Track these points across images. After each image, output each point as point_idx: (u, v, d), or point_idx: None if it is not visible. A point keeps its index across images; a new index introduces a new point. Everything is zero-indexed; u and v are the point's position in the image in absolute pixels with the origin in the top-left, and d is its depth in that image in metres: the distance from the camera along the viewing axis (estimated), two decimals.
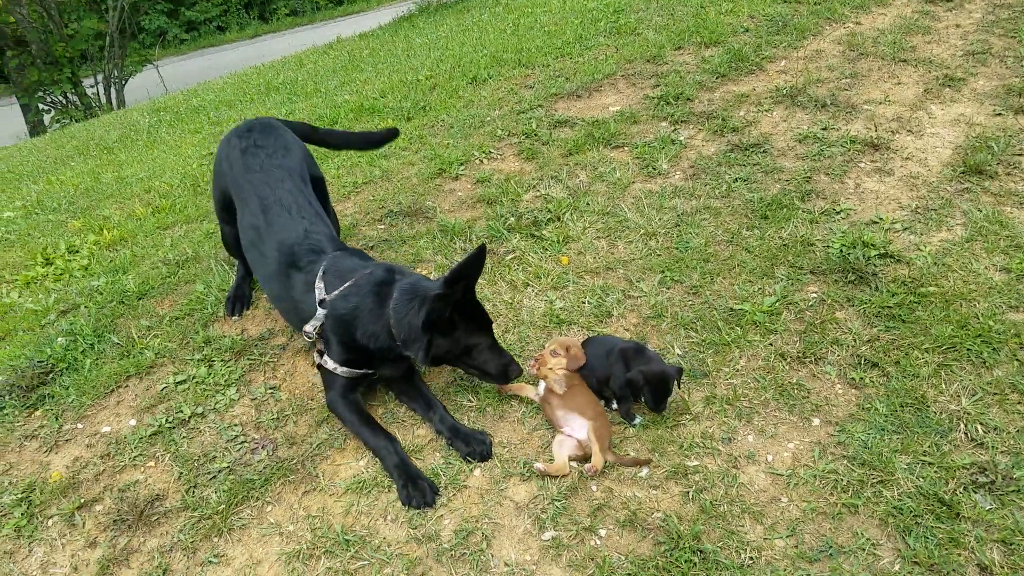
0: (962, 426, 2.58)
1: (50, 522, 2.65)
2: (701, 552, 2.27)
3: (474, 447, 2.68)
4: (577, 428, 2.63)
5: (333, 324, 2.82)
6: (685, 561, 2.24)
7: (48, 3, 17.08)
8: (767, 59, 5.42)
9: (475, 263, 2.64)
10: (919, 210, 3.72)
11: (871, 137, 4.30)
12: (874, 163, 4.13)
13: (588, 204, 4.03)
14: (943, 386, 2.74)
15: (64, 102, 17.75)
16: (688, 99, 5.02)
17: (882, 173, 4.05)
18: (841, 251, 3.44)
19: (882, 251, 3.41)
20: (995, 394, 2.68)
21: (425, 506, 2.53)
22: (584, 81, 5.50)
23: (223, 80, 11.25)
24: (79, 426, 3.04)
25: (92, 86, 18.12)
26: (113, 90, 18.12)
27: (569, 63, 6.02)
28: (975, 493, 2.35)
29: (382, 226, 4.15)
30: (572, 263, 3.61)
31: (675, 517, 2.38)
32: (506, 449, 2.70)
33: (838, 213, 3.76)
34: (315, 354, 2.94)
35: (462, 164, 4.62)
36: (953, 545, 2.20)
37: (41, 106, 17.60)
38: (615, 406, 2.80)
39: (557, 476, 2.55)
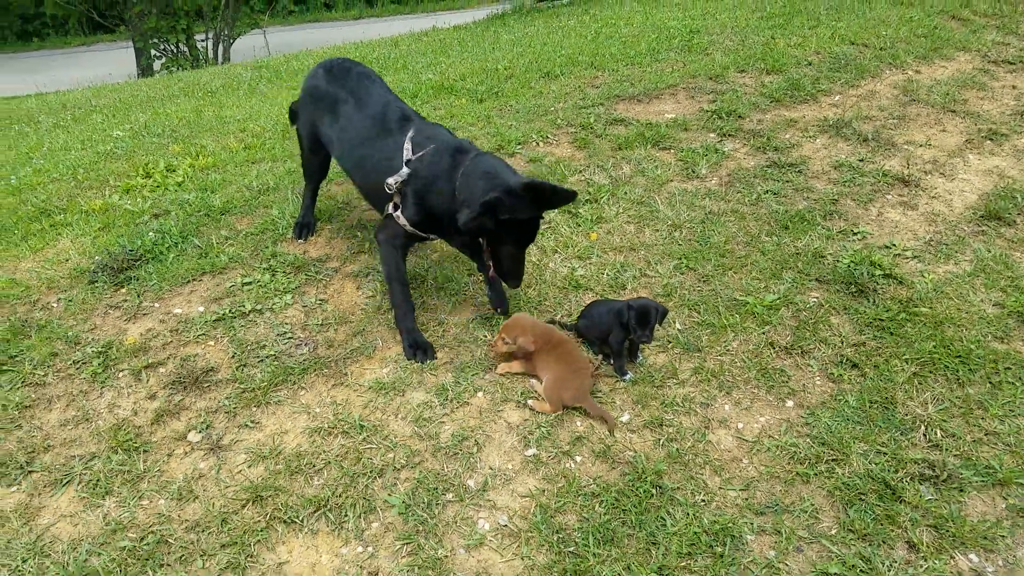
0: (923, 428, 2.85)
1: (120, 374, 3.17)
2: (660, 487, 2.61)
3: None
4: (539, 382, 3.01)
5: (412, 183, 3.17)
6: (644, 491, 2.59)
7: None
8: (822, 92, 5.69)
9: (561, 196, 2.93)
10: (932, 242, 3.98)
11: (904, 173, 4.55)
12: (901, 197, 4.39)
13: (626, 193, 4.40)
14: (914, 392, 3.02)
15: (175, 51, 18.78)
16: (740, 116, 5.34)
17: (906, 207, 4.31)
18: (849, 266, 3.72)
19: (887, 272, 3.69)
20: (961, 407, 2.95)
21: (426, 360, 3.17)
22: (647, 88, 5.86)
23: (323, 50, 11.91)
24: (156, 305, 3.56)
25: (202, 40, 19.13)
26: (221, 47, 19.09)
27: (637, 70, 6.38)
28: (921, 484, 2.63)
29: None
30: (600, 240, 3.99)
31: (644, 457, 2.73)
32: (508, 380, 3.09)
33: (855, 234, 4.04)
34: (390, 206, 3.26)
35: (520, 144, 5.04)
36: (889, 522, 2.49)
37: (154, 52, 18.66)
38: (612, 361, 3.17)
39: (541, 413, 2.94)
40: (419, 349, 3.22)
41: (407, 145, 3.23)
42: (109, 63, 18.89)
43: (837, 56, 6.36)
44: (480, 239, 3.13)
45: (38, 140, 6.88)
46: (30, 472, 2.74)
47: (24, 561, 2.41)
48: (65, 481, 2.70)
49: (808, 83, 5.83)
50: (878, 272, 3.68)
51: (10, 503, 2.63)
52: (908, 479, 2.64)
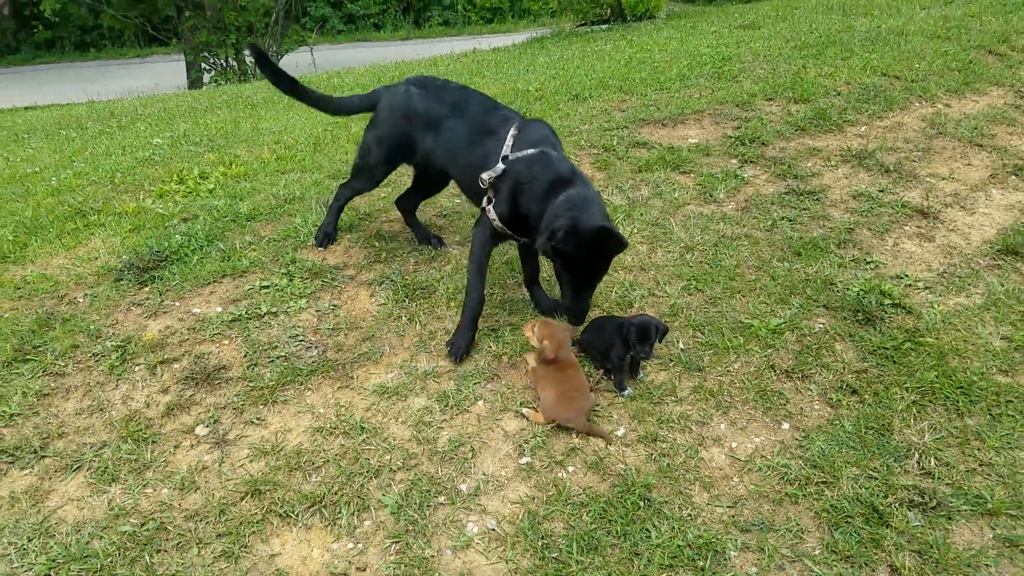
0: (917, 456, 2.86)
1: (136, 368, 3.31)
2: (648, 500, 2.66)
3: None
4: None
5: (507, 181, 3.26)
6: (632, 503, 2.64)
7: None
8: (848, 122, 5.69)
9: (619, 245, 3.09)
10: (945, 274, 3.97)
11: (923, 205, 4.54)
12: (918, 228, 4.39)
13: (641, 214, 4.46)
14: (912, 420, 3.02)
15: (224, 65, 19.30)
16: (763, 143, 5.37)
17: (922, 238, 4.30)
18: (858, 294, 3.72)
19: (896, 301, 3.68)
20: (958, 438, 2.94)
21: (456, 357, 3.29)
22: (673, 112, 5.92)
23: (364, 68, 12.19)
24: (176, 304, 3.71)
25: (251, 56, 19.64)
26: None
27: (665, 95, 6.45)
28: (909, 510, 2.64)
29: (458, 200, 4.71)
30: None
31: (635, 470, 2.78)
32: (510, 390, 3.16)
33: (868, 263, 4.04)
34: (484, 200, 3.36)
35: None
36: (873, 545, 2.50)
37: (204, 66, 19.21)
38: (612, 376, 3.22)
39: (535, 423, 3.00)
40: (463, 346, 3.33)
41: (508, 141, 3.32)
42: (161, 75, 19.49)
43: (867, 87, 6.36)
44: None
45: (82, 144, 7.18)
46: (43, 457, 2.89)
47: (29, 540, 2.54)
48: (75, 467, 2.83)
49: (835, 113, 5.84)
50: (887, 301, 3.69)
51: (21, 485, 2.77)
52: (896, 504, 2.65)
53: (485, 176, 3.29)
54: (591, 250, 3.04)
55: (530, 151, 3.27)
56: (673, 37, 10.17)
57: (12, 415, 3.06)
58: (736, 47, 8.49)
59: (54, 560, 2.46)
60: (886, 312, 3.63)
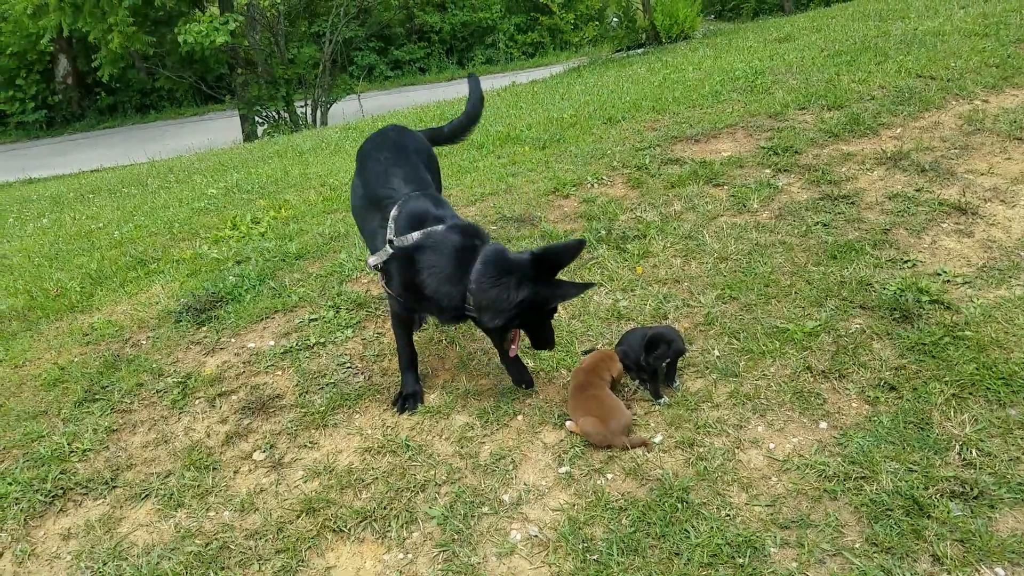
0: (957, 447, 2.84)
1: (197, 402, 3.53)
2: (686, 502, 2.71)
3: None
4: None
5: (397, 266, 3.11)
6: (670, 506, 2.69)
7: (277, 31, 19.52)
8: (883, 125, 5.69)
9: (569, 253, 3.05)
10: (985, 268, 3.93)
11: (961, 202, 4.52)
12: (957, 225, 4.36)
13: (675, 228, 4.54)
14: (952, 413, 3.01)
15: (276, 117, 20.02)
16: (796, 152, 5.40)
17: (961, 234, 4.27)
18: (895, 293, 3.72)
19: (935, 298, 3.66)
20: (1000, 428, 2.92)
21: (411, 411, 3.29)
22: (705, 128, 6.01)
23: (407, 110, 12.58)
24: (232, 340, 3.94)
25: (302, 106, 20.38)
26: (319, 112, 20.27)
27: (697, 112, 6.54)
28: (951, 501, 2.63)
29: (493, 227, 4.87)
30: (645, 273, 4.14)
31: (672, 474, 2.84)
32: (548, 404, 3.26)
33: (905, 262, 4.03)
34: (381, 277, 3.25)
35: (575, 186, 5.27)
36: (915, 536, 2.50)
37: (257, 119, 19.99)
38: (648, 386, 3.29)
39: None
40: (410, 400, 3.35)
41: (390, 225, 3.14)
42: (217, 131, 20.32)
43: (901, 89, 6.35)
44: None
45: (143, 199, 7.62)
46: (114, 487, 3.10)
47: (104, 564, 2.73)
48: (144, 495, 3.03)
49: (869, 117, 5.85)
50: (925, 298, 3.67)
51: (96, 514, 2.97)
52: (937, 495, 2.64)
53: (372, 261, 3.18)
54: (549, 281, 3.03)
55: (419, 234, 3.09)
56: (707, 56, 10.26)
57: (85, 450, 3.29)
58: (770, 60, 8.54)
59: None
60: (924, 309, 3.62)
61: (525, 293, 2.97)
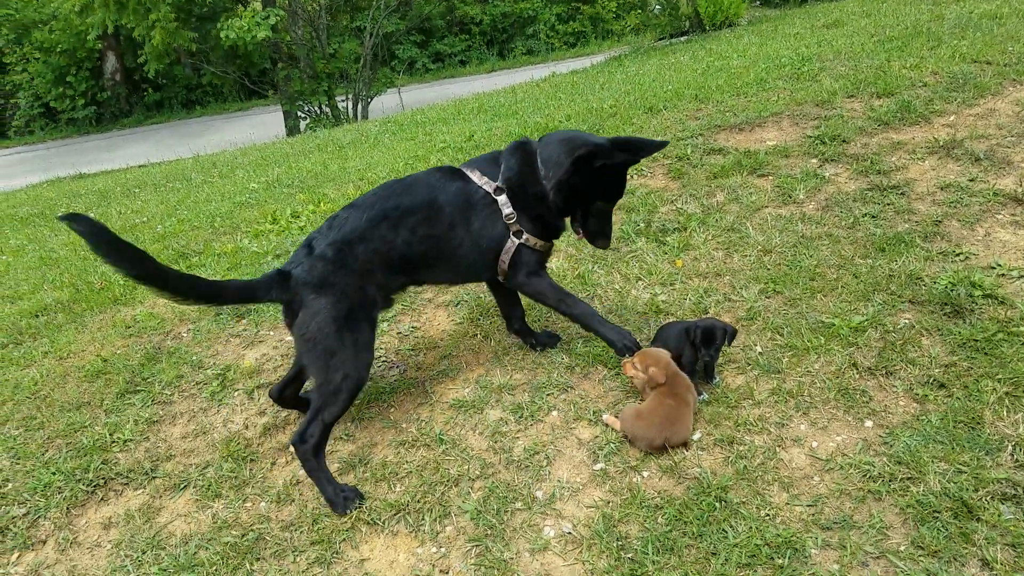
0: (1010, 447, 2.73)
1: (235, 394, 3.56)
2: (724, 501, 2.65)
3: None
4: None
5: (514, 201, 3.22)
6: (708, 505, 2.64)
7: (319, 25, 19.70)
8: (936, 113, 5.50)
9: (650, 147, 3.17)
10: None
11: (1017, 192, 4.35)
12: (1013, 216, 4.19)
13: (716, 220, 4.45)
14: (1004, 412, 2.89)
15: (318, 112, 20.25)
16: (844, 141, 5.26)
17: (1017, 226, 4.10)
18: (946, 287, 3.59)
19: (988, 292, 3.53)
20: None
21: (625, 351, 3.21)
22: (750, 117, 5.88)
23: (446, 103, 12.60)
24: (271, 333, 3.97)
25: (343, 100, 20.56)
26: (360, 106, 20.43)
27: (742, 100, 6.40)
28: (1002, 503, 2.53)
29: None
30: (685, 266, 4.06)
31: (710, 473, 2.78)
32: (583, 400, 3.22)
33: (957, 255, 3.89)
34: (512, 239, 3.25)
35: None
36: (963, 539, 2.41)
37: (299, 114, 20.22)
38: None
39: (613, 430, 3.04)
40: (619, 333, 3.28)
41: (478, 179, 3.24)
42: (261, 126, 20.63)
43: (955, 75, 6.13)
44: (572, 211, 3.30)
45: (186, 194, 7.75)
46: (154, 478, 3.14)
47: (144, 552, 2.77)
48: (183, 485, 3.07)
49: (920, 105, 5.66)
50: (978, 292, 3.54)
51: (136, 503, 3.02)
52: (988, 498, 2.54)
53: (507, 211, 3.22)
54: (619, 161, 3.15)
55: (501, 159, 3.30)
56: (752, 43, 10.07)
57: (126, 441, 3.35)
58: (817, 47, 8.34)
59: (165, 570, 2.67)
60: (976, 304, 3.49)
61: (584, 151, 3.10)
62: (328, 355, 2.92)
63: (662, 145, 3.18)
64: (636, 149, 3.18)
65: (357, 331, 2.97)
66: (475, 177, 3.23)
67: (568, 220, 3.37)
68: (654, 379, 3.02)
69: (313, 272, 2.94)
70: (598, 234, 3.32)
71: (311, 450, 2.86)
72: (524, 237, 3.25)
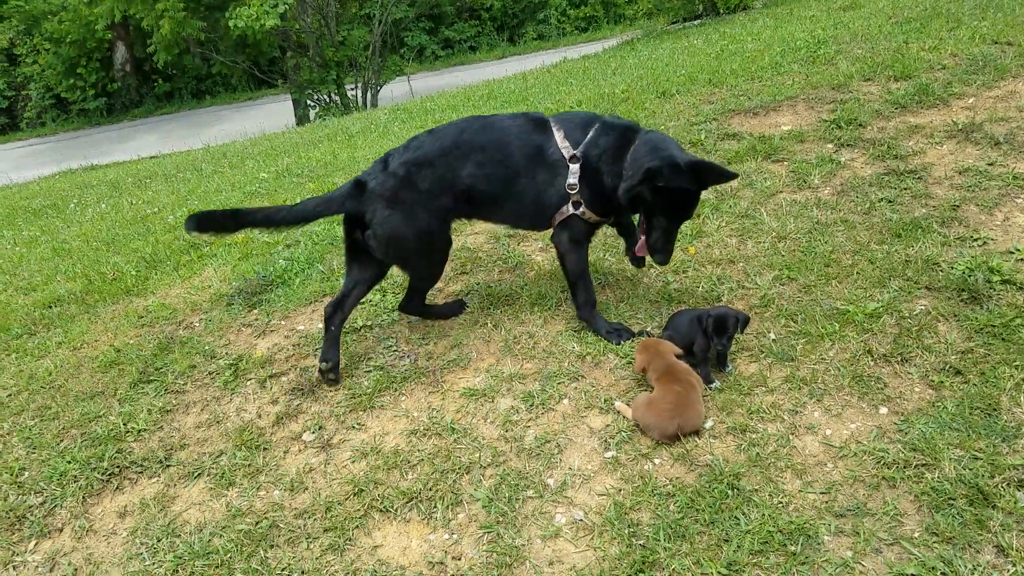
0: None
1: (248, 383, 3.58)
2: (737, 488, 2.64)
3: None
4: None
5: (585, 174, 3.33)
6: (720, 492, 2.62)
7: (327, 13, 19.64)
8: (954, 95, 5.42)
9: (723, 175, 3.21)
10: None
11: None
12: None
13: (730, 206, 4.41)
14: (1021, 399, 2.85)
15: (328, 100, 20.23)
16: (860, 125, 5.20)
17: None
18: (963, 272, 3.54)
19: (1007, 277, 3.48)
20: None
21: (625, 339, 3.40)
22: (764, 101, 5.82)
23: (456, 90, 12.56)
24: (282, 323, 3.99)
25: (352, 88, 20.52)
26: (369, 94, 20.38)
27: (756, 84, 6.34)
28: (1017, 490, 2.51)
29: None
30: (697, 253, 4.03)
31: (723, 460, 2.76)
32: (594, 388, 3.21)
33: (975, 240, 3.84)
34: (569, 206, 3.38)
35: None
36: (978, 526, 2.39)
37: (309, 102, 20.20)
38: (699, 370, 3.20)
39: (624, 418, 3.03)
40: (616, 333, 3.46)
41: (559, 140, 3.35)
42: (271, 115, 20.62)
43: (975, 57, 6.04)
44: (638, 213, 3.35)
45: (197, 184, 7.78)
46: (168, 466, 3.16)
47: (158, 540, 2.79)
48: (196, 474, 3.09)
49: (939, 87, 5.58)
50: (996, 278, 3.49)
51: (150, 492, 3.04)
52: (1004, 484, 2.51)
53: (572, 180, 3.32)
54: (689, 183, 3.17)
55: (597, 133, 3.34)
56: (767, 26, 9.97)
57: (140, 430, 3.37)
58: (833, 29, 8.25)
59: (180, 557, 2.69)
60: (994, 289, 3.45)
61: (653, 166, 3.15)
62: (406, 259, 3.46)
63: (732, 176, 3.22)
64: (703, 177, 3.22)
65: (431, 243, 3.44)
66: (557, 136, 3.34)
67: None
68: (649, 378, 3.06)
69: (386, 186, 3.29)
70: (655, 247, 3.35)
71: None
72: (581, 209, 3.36)
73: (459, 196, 3.38)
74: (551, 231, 3.52)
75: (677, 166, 3.14)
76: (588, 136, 3.33)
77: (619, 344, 3.40)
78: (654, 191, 3.18)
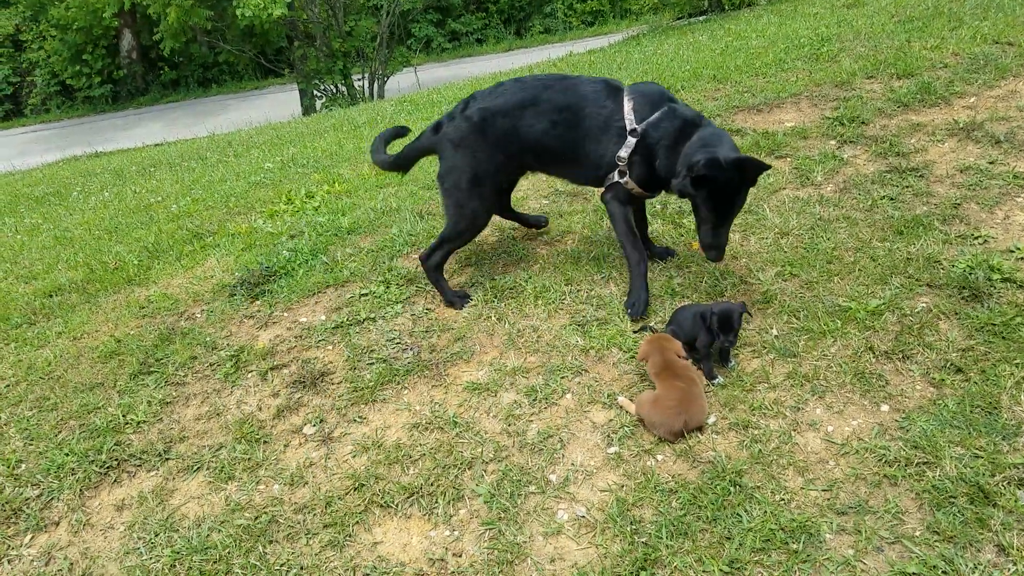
0: None
1: (249, 375, 3.58)
2: (739, 485, 2.64)
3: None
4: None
5: (640, 151, 3.47)
6: (722, 489, 2.62)
7: (335, 3, 19.61)
8: (956, 94, 5.41)
9: (762, 167, 3.27)
10: None
11: None
12: None
13: None
14: (1021, 397, 2.84)
15: (334, 91, 20.22)
16: (863, 122, 5.18)
17: None
18: (964, 270, 3.54)
19: (1007, 276, 3.47)
20: None
21: (637, 314, 3.50)
22: (768, 97, 5.80)
23: (462, 82, 12.53)
24: (285, 314, 3.98)
25: (359, 79, 20.48)
26: (376, 85, 20.35)
27: (760, 81, 6.32)
28: (1018, 489, 2.51)
29: (546, 201, 4.80)
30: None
31: (725, 457, 2.76)
32: (597, 383, 3.20)
33: (976, 238, 3.84)
34: (616, 174, 3.56)
35: None
36: (979, 525, 2.39)
37: (315, 92, 20.18)
38: (701, 365, 3.20)
39: (628, 413, 3.02)
40: (641, 301, 3.54)
41: (627, 111, 3.46)
42: (277, 105, 20.61)
43: (976, 57, 6.02)
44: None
45: (201, 173, 7.76)
46: (167, 459, 3.16)
47: (156, 535, 2.79)
48: (196, 467, 3.09)
49: (941, 86, 5.57)
50: (996, 276, 3.49)
51: (149, 485, 3.04)
52: (1005, 483, 2.51)
53: (622, 154, 3.47)
54: (732, 180, 3.26)
55: (661, 117, 3.43)
56: (772, 22, 9.93)
57: (139, 422, 3.37)
58: (837, 27, 8.22)
59: (178, 552, 2.69)
60: (995, 287, 3.44)
61: (698, 162, 3.25)
62: (458, 206, 3.70)
63: (767, 167, 3.29)
64: (745, 172, 3.29)
65: (482, 189, 3.68)
66: (626, 107, 3.47)
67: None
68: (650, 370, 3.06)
69: (458, 131, 3.61)
70: (707, 243, 3.44)
71: (433, 267, 3.79)
72: (625, 179, 3.54)
73: (525, 149, 3.61)
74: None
75: (717, 161, 3.21)
76: (654, 116, 3.44)
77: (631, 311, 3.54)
78: (697, 185, 3.28)
